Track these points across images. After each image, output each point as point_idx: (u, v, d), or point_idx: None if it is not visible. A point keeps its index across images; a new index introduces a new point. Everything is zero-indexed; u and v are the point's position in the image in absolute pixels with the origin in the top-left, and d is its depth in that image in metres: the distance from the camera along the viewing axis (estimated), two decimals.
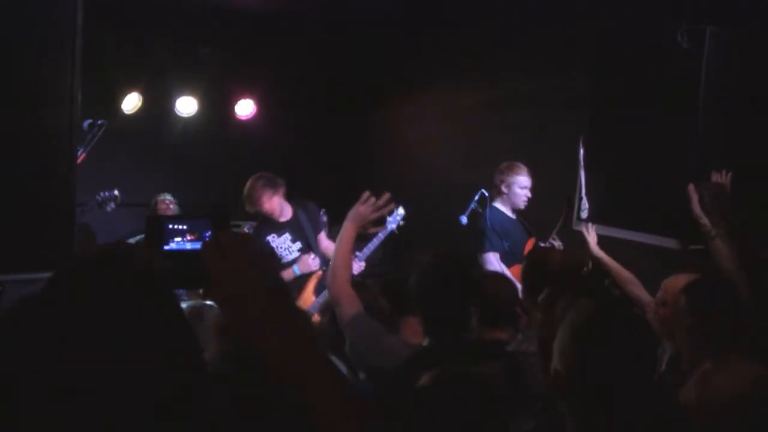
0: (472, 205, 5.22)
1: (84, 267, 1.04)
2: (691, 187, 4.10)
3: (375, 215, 3.25)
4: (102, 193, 5.78)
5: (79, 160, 4.56)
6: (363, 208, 3.23)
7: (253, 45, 7.10)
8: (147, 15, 6.24)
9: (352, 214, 3.23)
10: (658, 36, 4.71)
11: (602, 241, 4.60)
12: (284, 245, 5.34)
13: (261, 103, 7.46)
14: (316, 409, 1.01)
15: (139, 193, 6.39)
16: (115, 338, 0.95)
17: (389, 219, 5.28)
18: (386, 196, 3.25)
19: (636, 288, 3.79)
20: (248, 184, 5.49)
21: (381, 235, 5.33)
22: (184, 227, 1.14)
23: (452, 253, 3.01)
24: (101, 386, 0.93)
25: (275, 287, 1.06)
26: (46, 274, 1.04)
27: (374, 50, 7.34)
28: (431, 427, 2.24)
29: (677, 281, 3.11)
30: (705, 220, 4.03)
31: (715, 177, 4.15)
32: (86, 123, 5.42)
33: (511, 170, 5.32)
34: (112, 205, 5.84)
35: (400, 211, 5.30)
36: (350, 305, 3.01)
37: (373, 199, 3.25)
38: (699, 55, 4.46)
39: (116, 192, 5.83)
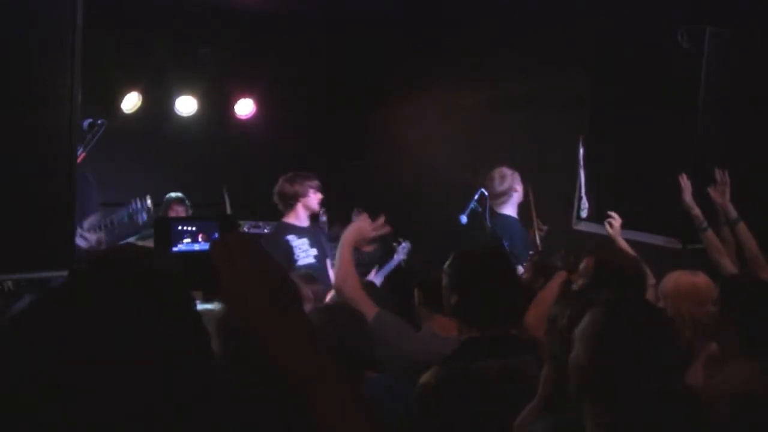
0: (472, 205, 5.21)
1: (84, 267, 1.04)
2: (682, 177, 4.12)
3: (374, 234, 3.38)
4: (133, 205, 5.07)
5: (79, 160, 4.53)
6: (366, 226, 3.32)
7: (253, 45, 7.10)
8: (147, 15, 6.24)
9: (352, 231, 3.29)
10: (658, 36, 4.72)
11: (602, 240, 4.60)
12: (303, 247, 5.41)
13: (261, 103, 7.45)
14: (317, 409, 1.02)
15: (139, 193, 6.36)
16: (115, 338, 0.95)
17: (397, 251, 5.97)
18: (381, 219, 3.38)
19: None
20: (284, 180, 5.52)
21: (388, 267, 6.32)
22: (193, 228, 1.14)
23: (498, 248, 3.04)
24: (101, 386, 0.93)
25: (280, 287, 1.07)
26: (46, 274, 1.05)
27: (374, 50, 7.33)
28: (446, 422, 2.25)
29: (670, 283, 3.15)
30: (696, 211, 4.06)
31: (718, 174, 4.16)
32: (86, 123, 5.38)
33: (516, 175, 5.37)
34: (144, 216, 5.09)
35: (406, 244, 6.30)
36: (368, 308, 3.01)
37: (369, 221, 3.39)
38: (699, 55, 4.46)
39: (149, 201, 5.08)
